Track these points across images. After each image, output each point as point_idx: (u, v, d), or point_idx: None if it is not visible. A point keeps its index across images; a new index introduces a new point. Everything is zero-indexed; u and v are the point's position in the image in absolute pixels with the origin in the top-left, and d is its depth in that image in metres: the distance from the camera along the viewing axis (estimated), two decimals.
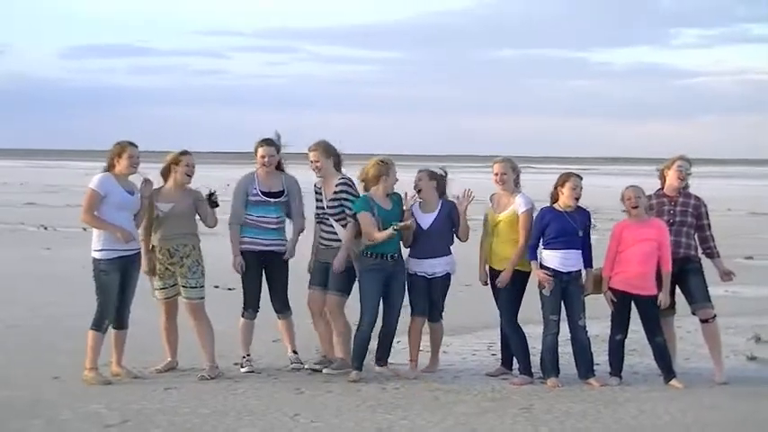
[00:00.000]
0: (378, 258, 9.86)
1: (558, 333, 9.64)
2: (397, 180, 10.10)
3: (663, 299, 9.67)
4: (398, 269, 9.98)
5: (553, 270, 9.57)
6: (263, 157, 10.23)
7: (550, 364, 9.64)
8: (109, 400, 8.82)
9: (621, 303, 9.75)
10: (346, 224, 10.09)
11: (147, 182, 9.91)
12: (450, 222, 10.00)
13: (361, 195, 10.06)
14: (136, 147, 9.80)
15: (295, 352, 10.33)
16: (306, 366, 10.18)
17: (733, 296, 15.37)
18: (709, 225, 10.14)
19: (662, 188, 10.22)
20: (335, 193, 10.14)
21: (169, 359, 10.14)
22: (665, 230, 9.75)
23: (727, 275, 10.14)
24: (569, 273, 9.61)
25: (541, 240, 9.68)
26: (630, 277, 9.65)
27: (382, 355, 10.11)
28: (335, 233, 10.14)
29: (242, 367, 10.06)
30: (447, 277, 10.06)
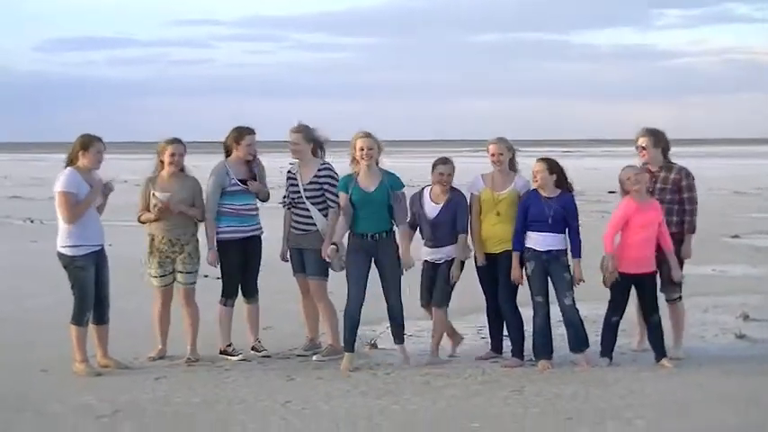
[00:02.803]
0: (357, 237, 9.80)
1: (547, 314, 9.66)
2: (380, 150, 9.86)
3: (675, 275, 9.76)
4: (383, 248, 9.78)
5: (532, 249, 9.61)
6: (249, 145, 10.20)
7: (542, 346, 9.66)
8: (99, 392, 8.80)
9: (623, 285, 9.74)
10: (324, 210, 10.06)
11: (106, 185, 9.74)
12: (455, 212, 9.85)
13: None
14: (102, 142, 9.67)
15: (258, 340, 10.31)
16: (297, 353, 10.23)
17: (720, 275, 15.43)
18: (689, 199, 10.12)
19: (646, 163, 10.25)
20: (317, 177, 10.12)
21: (160, 347, 10.16)
22: (659, 206, 9.79)
23: (685, 256, 10.12)
24: (548, 251, 9.60)
25: None
26: (634, 259, 9.66)
27: (394, 336, 10.01)
28: (310, 217, 10.08)
29: (233, 356, 10.04)
30: (451, 262, 9.86)
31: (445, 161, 9.98)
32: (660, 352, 9.73)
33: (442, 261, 9.89)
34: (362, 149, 9.75)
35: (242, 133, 10.25)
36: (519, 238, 9.68)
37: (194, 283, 10.13)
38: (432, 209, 9.89)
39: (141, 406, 8.39)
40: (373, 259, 9.82)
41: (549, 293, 9.68)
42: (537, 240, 9.64)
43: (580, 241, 9.75)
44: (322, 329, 10.35)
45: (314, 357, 10.08)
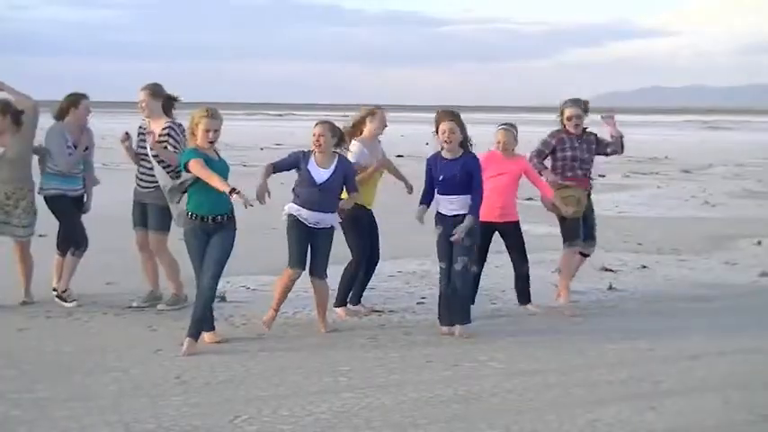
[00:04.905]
0: (197, 220, 8.91)
1: (447, 283, 9.58)
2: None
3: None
4: (225, 227, 8.95)
5: (441, 214, 9.63)
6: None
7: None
8: None
9: (483, 235, 10.16)
10: (167, 167, 10.21)
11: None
12: (343, 180, 9.61)
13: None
14: None
15: (55, 289, 10.69)
16: (135, 305, 10.58)
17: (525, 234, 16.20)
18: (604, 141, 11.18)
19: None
20: (161, 135, 10.37)
21: None
22: (526, 163, 10.55)
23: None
24: (454, 216, 9.50)
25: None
26: (492, 208, 10.26)
27: (195, 329, 8.89)
28: (154, 175, 10.36)
29: (66, 302, 10.51)
30: (332, 231, 9.61)
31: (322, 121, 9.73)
32: (523, 298, 10.63)
33: (325, 227, 9.55)
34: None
35: (78, 98, 10.69)
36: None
37: (30, 236, 10.65)
38: (318, 173, 9.50)
39: (15, 355, 8.56)
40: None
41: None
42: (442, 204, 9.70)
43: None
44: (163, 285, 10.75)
45: (158, 306, 10.51)
